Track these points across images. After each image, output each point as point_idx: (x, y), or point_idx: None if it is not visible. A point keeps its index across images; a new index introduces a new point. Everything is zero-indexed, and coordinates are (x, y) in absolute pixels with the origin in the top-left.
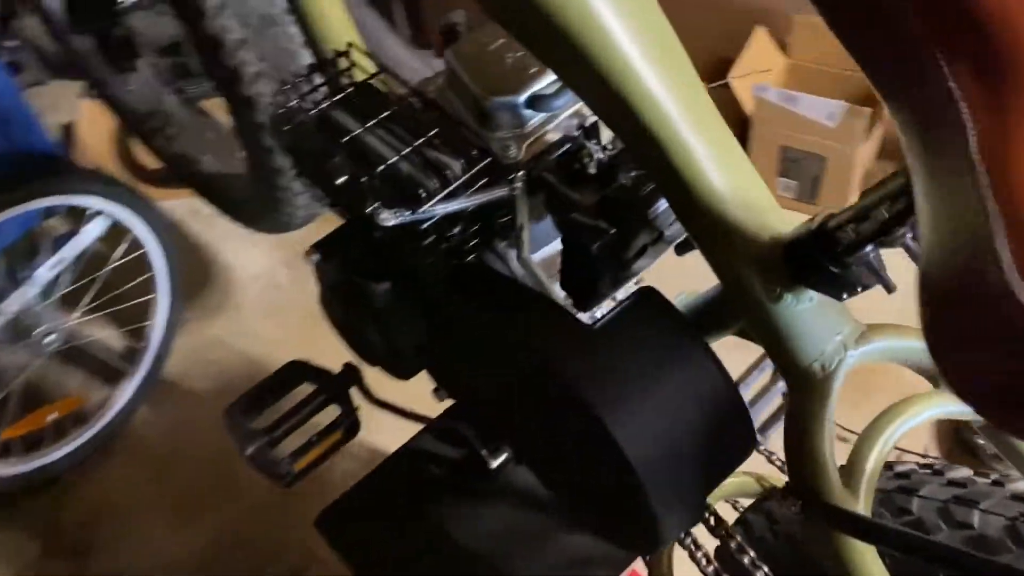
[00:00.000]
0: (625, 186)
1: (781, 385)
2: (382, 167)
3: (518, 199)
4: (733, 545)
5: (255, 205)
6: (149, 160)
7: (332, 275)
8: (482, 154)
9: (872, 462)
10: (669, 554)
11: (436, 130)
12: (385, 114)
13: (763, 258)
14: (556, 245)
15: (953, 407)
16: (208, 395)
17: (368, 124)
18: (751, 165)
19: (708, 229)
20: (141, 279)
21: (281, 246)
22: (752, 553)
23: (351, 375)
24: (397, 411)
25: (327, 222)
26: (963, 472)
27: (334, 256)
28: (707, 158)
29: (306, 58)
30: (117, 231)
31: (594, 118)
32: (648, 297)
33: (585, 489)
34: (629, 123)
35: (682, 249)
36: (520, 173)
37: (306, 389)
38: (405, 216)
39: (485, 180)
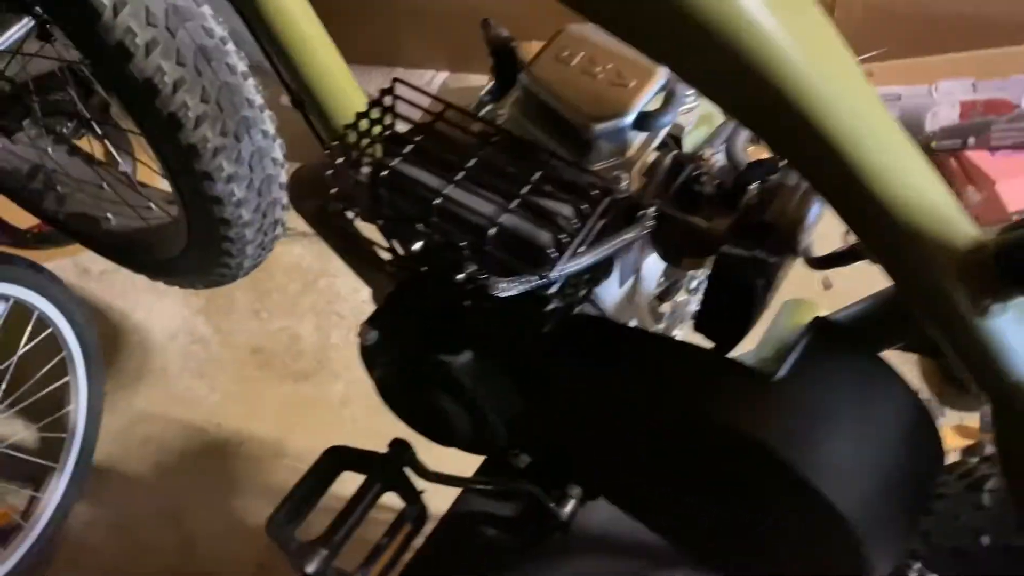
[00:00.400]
0: (757, 205)
1: None
2: (493, 228)
3: (643, 239)
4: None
5: (192, 261)
6: (19, 218)
7: (394, 354)
8: (602, 192)
9: None
10: None
11: (539, 172)
12: (472, 162)
13: (968, 267)
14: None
15: None
16: (150, 477)
17: (457, 176)
18: (932, 167)
19: (894, 240)
20: (54, 362)
21: (195, 293)
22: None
23: (402, 453)
24: (459, 482)
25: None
26: None
27: (395, 332)
28: (887, 161)
29: (251, 91)
30: (17, 312)
31: (693, 125)
32: (824, 330)
33: (769, 551)
34: (792, 132)
35: (821, 264)
36: (652, 209)
37: (352, 478)
38: (527, 284)
39: (604, 223)
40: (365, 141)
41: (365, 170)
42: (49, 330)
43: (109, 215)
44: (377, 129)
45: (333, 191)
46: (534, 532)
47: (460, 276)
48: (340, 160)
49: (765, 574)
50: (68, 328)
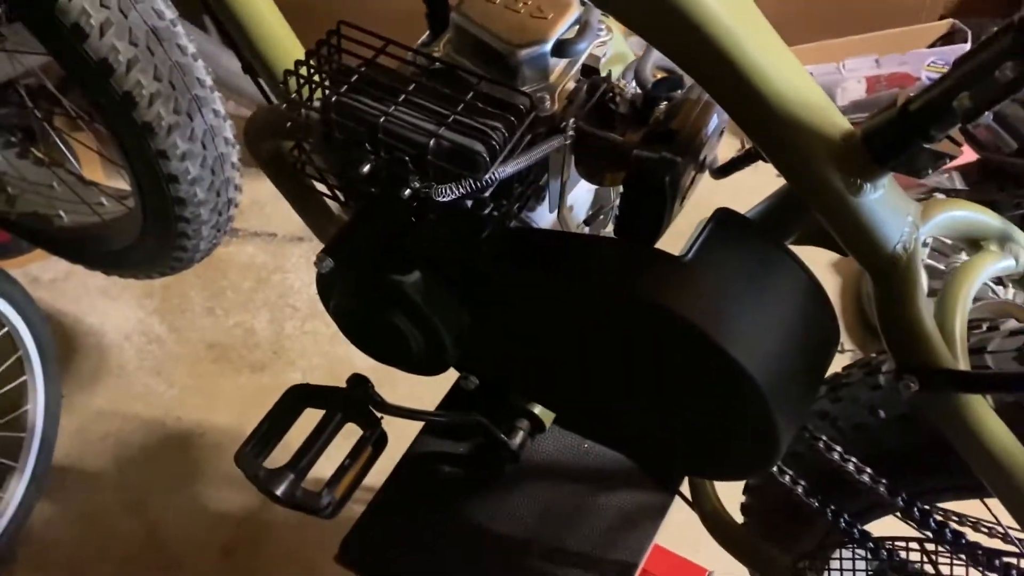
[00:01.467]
0: (665, 118)
1: None
2: (432, 140)
3: (565, 153)
4: (821, 445)
5: (147, 249)
6: None
7: (349, 279)
8: (528, 109)
9: (960, 325)
10: (712, 484)
11: (472, 93)
12: (411, 87)
13: (840, 151)
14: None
15: (1004, 264)
16: (111, 472)
17: (399, 99)
18: (803, 67)
19: (780, 135)
20: (10, 361)
21: (148, 295)
22: (839, 449)
23: (360, 387)
24: (414, 414)
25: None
26: (1014, 323)
27: (350, 258)
28: (770, 66)
29: (201, 71)
30: None
31: (607, 57)
32: (726, 218)
33: (688, 425)
34: (691, 44)
35: (723, 172)
36: (571, 121)
37: (314, 414)
38: (466, 187)
39: (531, 137)
40: (316, 76)
41: (317, 103)
42: (5, 329)
43: (61, 213)
44: (325, 67)
45: (288, 124)
46: (487, 465)
47: (406, 191)
48: (295, 94)
49: (689, 461)
50: (24, 327)
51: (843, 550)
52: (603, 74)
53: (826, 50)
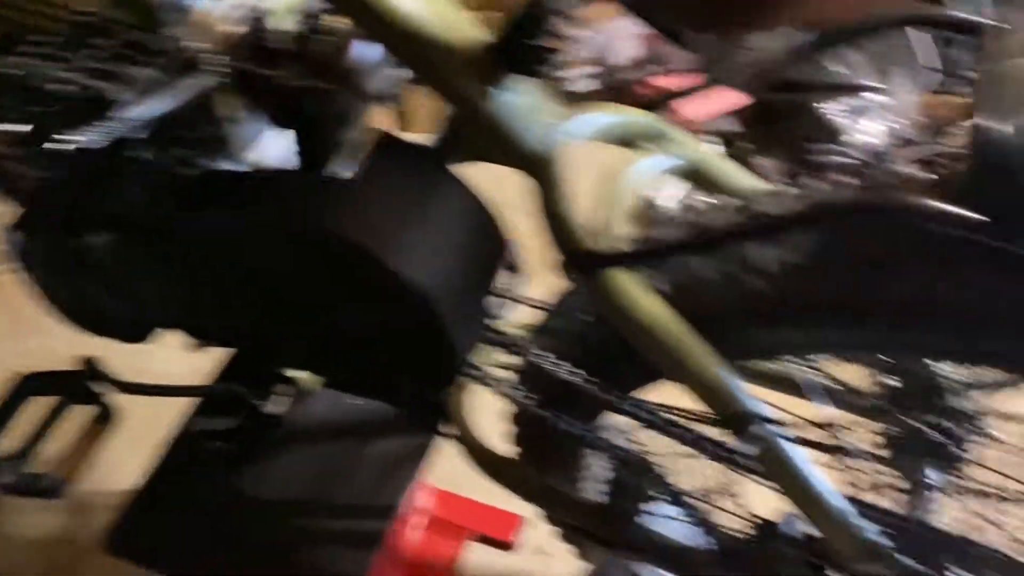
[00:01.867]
0: (318, 52)
1: None
2: (69, 88)
3: (222, 92)
4: (531, 357)
5: None
6: None
7: (43, 251)
8: (171, 52)
9: (612, 215)
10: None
11: (112, 41)
12: (59, 42)
13: (476, 63)
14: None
15: (662, 161)
16: None
17: (45, 54)
18: None
19: (423, 55)
20: None
21: None
22: (551, 356)
23: (88, 368)
24: (153, 390)
25: None
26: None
27: (40, 229)
28: None
29: None
30: None
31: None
32: (390, 141)
33: (381, 351)
34: None
35: (388, 101)
36: (223, 59)
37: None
38: (102, 129)
39: (181, 78)
40: None
41: None
42: None
43: None
44: None
45: None
46: (251, 434)
47: (58, 144)
48: None
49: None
50: None
51: (582, 454)
52: (277, 23)
53: (603, 10)
